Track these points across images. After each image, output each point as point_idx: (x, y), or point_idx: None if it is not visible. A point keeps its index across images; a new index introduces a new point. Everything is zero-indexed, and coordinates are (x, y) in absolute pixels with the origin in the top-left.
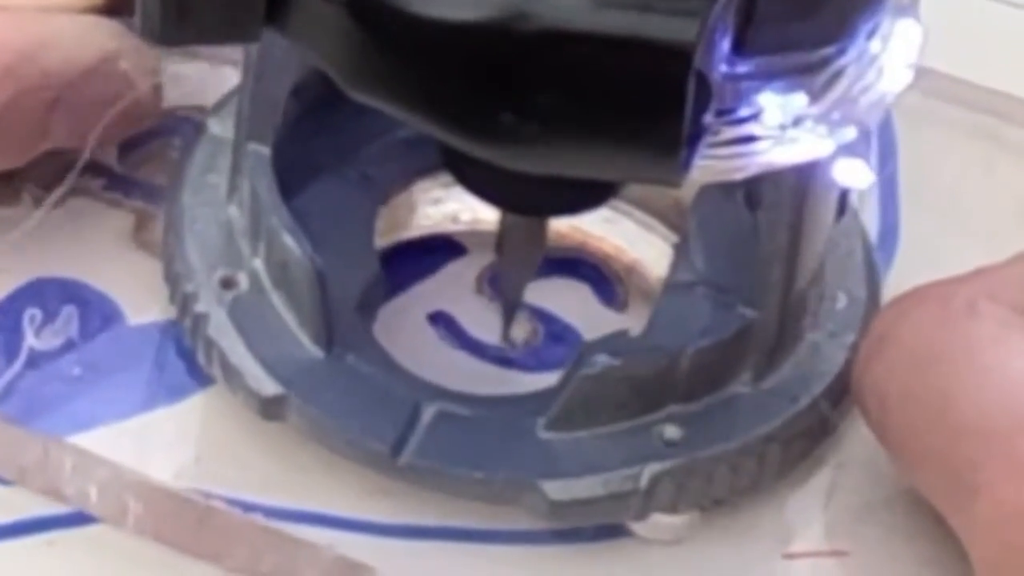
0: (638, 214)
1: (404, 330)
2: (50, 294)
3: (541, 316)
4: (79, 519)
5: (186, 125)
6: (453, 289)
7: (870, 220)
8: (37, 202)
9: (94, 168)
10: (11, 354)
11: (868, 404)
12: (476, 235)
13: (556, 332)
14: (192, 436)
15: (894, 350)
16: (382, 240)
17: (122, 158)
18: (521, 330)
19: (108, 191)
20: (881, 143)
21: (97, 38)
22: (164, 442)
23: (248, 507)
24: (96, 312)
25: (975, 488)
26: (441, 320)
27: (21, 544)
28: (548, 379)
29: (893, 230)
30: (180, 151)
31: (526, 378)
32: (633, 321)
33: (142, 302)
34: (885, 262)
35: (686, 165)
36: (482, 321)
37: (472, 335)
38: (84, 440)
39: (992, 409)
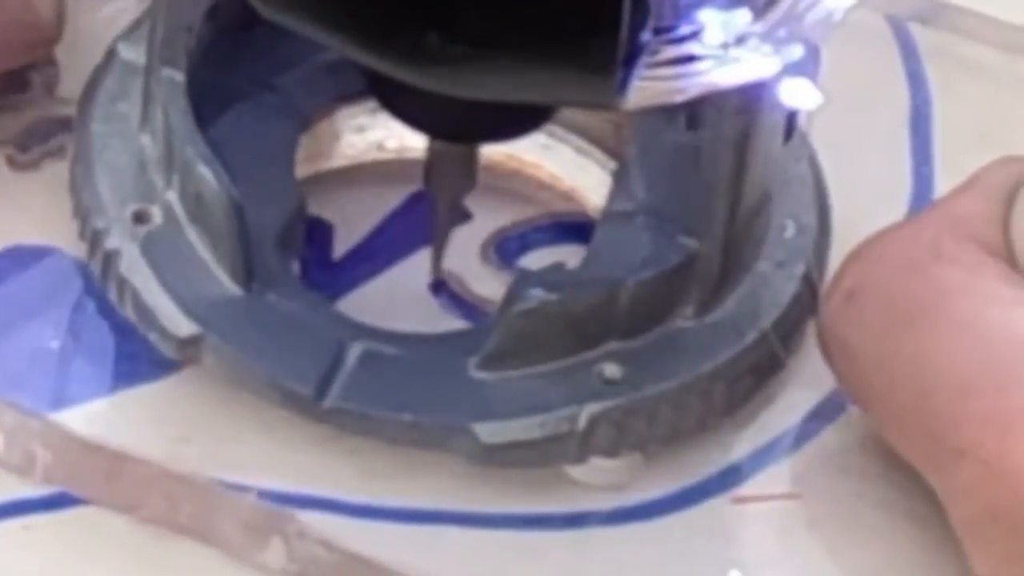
0: (575, 140)
1: (404, 298)
2: (25, 263)
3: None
4: (55, 502)
5: None
6: (457, 256)
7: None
8: (11, 163)
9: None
10: None
11: (838, 364)
12: (412, 165)
13: None
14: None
15: (863, 307)
16: (303, 170)
17: None
18: None
19: None
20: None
21: None
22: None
23: None
24: (74, 282)
25: (958, 449)
26: (444, 288)
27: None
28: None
29: (927, 196)
30: (88, 77)
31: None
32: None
33: None
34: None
35: (622, 87)
36: (488, 290)
37: (477, 305)
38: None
39: (970, 364)
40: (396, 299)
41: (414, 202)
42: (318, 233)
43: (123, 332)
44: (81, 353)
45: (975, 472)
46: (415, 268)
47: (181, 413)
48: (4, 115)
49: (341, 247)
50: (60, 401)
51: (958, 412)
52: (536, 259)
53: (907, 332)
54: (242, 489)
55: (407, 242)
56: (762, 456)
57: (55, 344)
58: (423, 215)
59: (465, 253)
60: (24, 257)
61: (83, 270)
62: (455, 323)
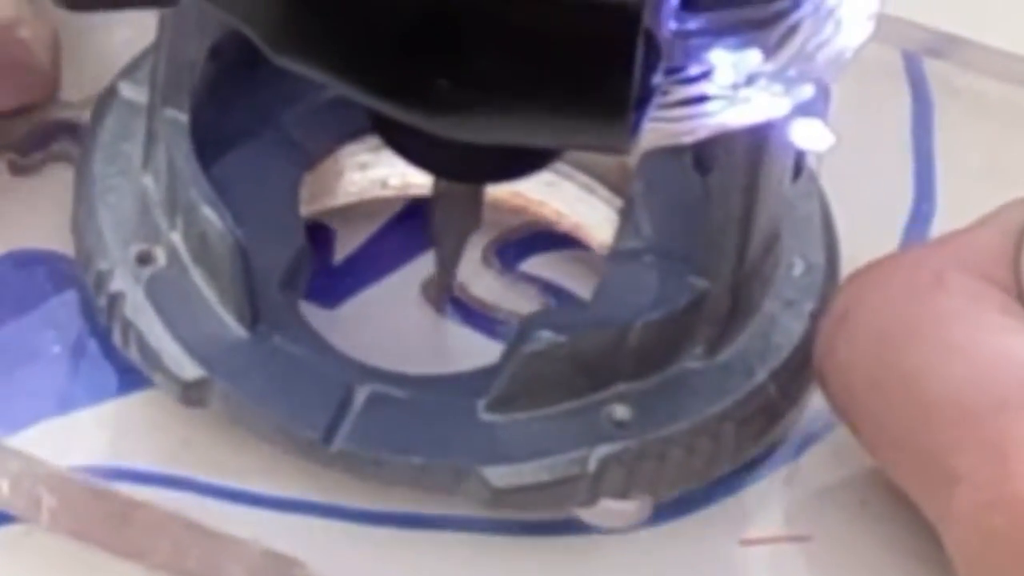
0: (580, 177)
1: (404, 304)
2: (26, 267)
3: (552, 290)
4: None
5: None
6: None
7: (905, 199)
8: (13, 168)
9: (74, 132)
10: None
11: (832, 386)
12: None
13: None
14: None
15: (858, 328)
16: (306, 208)
17: None
18: (530, 305)
19: None
20: (916, 121)
21: None
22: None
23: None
24: (74, 285)
25: (951, 474)
26: (446, 296)
27: None
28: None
29: (928, 208)
30: (90, 116)
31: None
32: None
33: None
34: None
35: (635, 130)
36: (489, 294)
37: (479, 310)
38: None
39: (965, 389)
40: (396, 305)
41: (414, 208)
42: (319, 238)
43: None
44: (82, 357)
45: (971, 498)
46: (415, 274)
47: (180, 418)
48: (5, 120)
49: (342, 252)
50: (64, 404)
51: (953, 437)
52: (537, 263)
53: (901, 354)
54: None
55: (407, 248)
56: (772, 498)
57: (56, 349)
58: (423, 220)
59: (466, 257)
60: (25, 261)
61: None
62: (456, 326)
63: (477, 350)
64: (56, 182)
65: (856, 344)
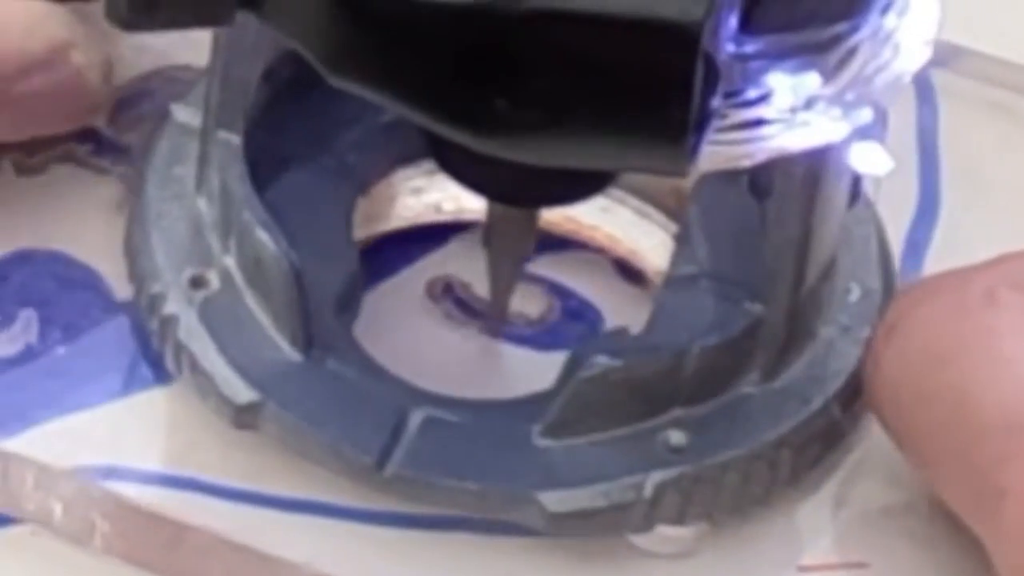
0: (634, 202)
1: (409, 304)
2: (32, 267)
3: (557, 291)
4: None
5: (174, 86)
6: (463, 260)
7: (908, 202)
8: (18, 169)
9: (80, 132)
10: None
11: (880, 401)
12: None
13: (574, 308)
14: (182, 417)
15: (907, 343)
16: (359, 232)
17: (110, 122)
18: (536, 306)
19: (94, 157)
20: (921, 124)
21: (48, 27)
22: (152, 424)
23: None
24: (80, 286)
25: (1000, 490)
26: (449, 295)
27: None
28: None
29: (932, 211)
30: (143, 140)
31: (541, 357)
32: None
33: (126, 276)
34: (923, 244)
35: (693, 153)
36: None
37: (483, 311)
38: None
39: (1014, 404)
40: (400, 305)
41: None
42: None
43: (127, 335)
44: (88, 356)
45: (1019, 512)
46: (419, 275)
47: (186, 418)
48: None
49: None
50: (68, 406)
51: (1001, 451)
52: (542, 264)
53: (950, 368)
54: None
55: (412, 249)
56: (828, 524)
57: (61, 351)
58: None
59: (472, 257)
60: (31, 260)
61: (88, 272)
62: (458, 327)
63: (481, 354)
64: (61, 182)
65: (905, 358)
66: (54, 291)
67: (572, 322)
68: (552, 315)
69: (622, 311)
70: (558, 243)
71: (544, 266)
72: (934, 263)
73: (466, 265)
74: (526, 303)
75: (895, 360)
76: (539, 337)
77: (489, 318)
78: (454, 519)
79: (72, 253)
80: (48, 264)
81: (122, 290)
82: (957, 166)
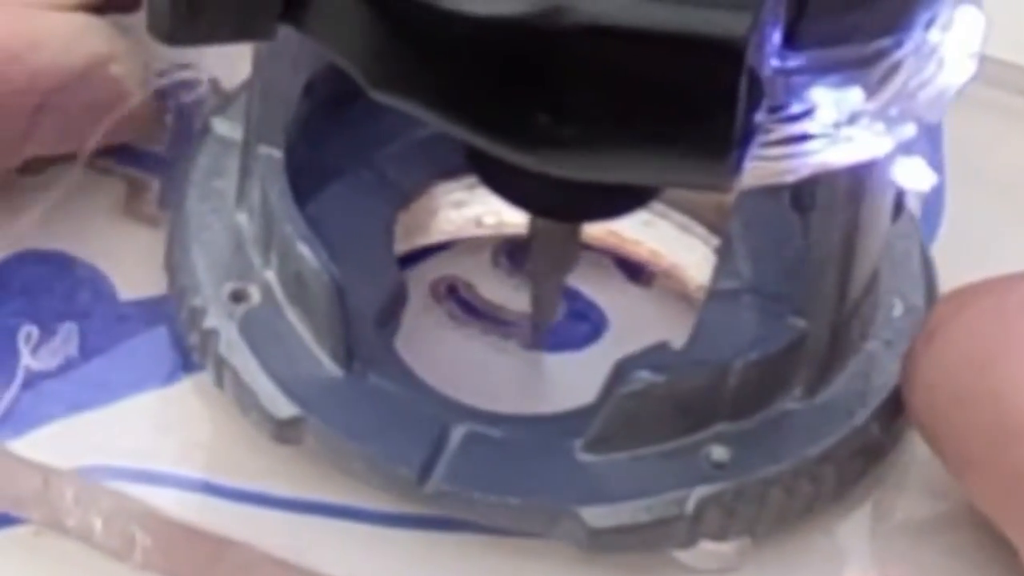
0: (676, 216)
1: (409, 308)
2: (37, 270)
3: (563, 292)
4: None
5: (179, 88)
6: (467, 261)
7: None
8: (20, 168)
9: None
10: None
11: (917, 406)
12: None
13: (579, 310)
14: (191, 418)
15: (947, 348)
16: (400, 246)
17: None
18: None
19: (98, 157)
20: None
21: (89, 40)
22: (160, 425)
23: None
24: (86, 287)
25: None
26: (453, 296)
27: None
28: (568, 360)
29: (936, 217)
30: (185, 154)
31: (543, 358)
32: (659, 298)
33: (134, 276)
34: (927, 243)
35: (737, 168)
36: (498, 295)
37: (489, 313)
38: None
39: None
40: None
41: None
42: None
43: (129, 334)
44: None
45: None
46: (423, 275)
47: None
48: None
49: None
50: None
51: None
52: None
53: (988, 373)
54: None
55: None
56: (870, 539)
57: (73, 350)
58: None
59: (475, 258)
60: (32, 261)
61: (92, 272)
62: (461, 327)
63: (483, 355)
64: (60, 182)
65: (944, 363)
66: (56, 290)
67: (577, 323)
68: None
69: (627, 312)
70: None
71: None
72: (939, 262)
73: (470, 266)
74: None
75: (934, 365)
76: (544, 339)
77: (533, 329)
78: (497, 529)
79: (76, 254)
80: (49, 264)
81: (127, 291)
82: (962, 166)
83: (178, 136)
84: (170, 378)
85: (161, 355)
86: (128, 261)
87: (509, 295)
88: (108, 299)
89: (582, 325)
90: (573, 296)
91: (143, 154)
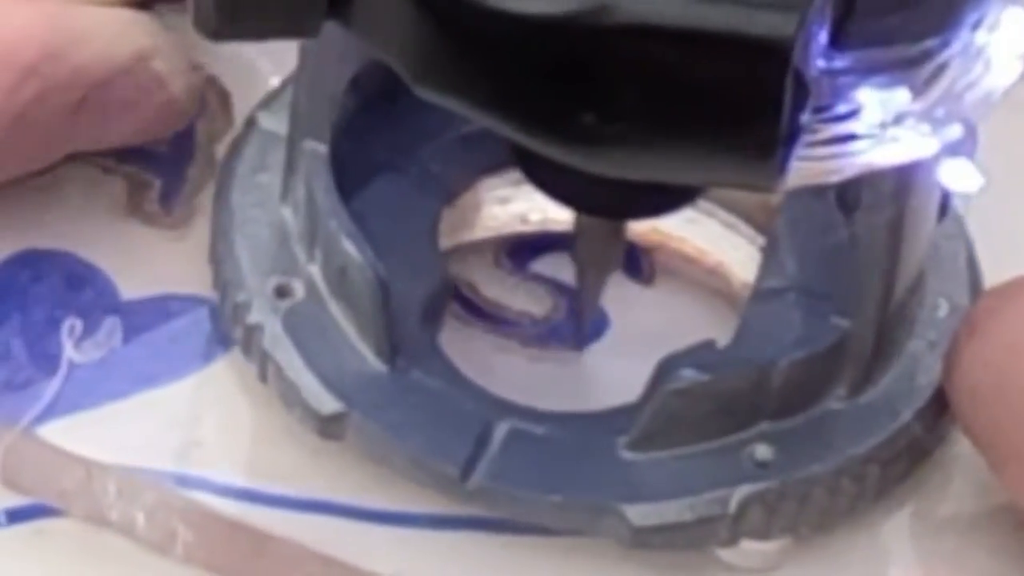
0: (722, 214)
1: None
2: (38, 268)
3: (563, 291)
4: (36, 512)
5: None
6: (469, 261)
7: None
8: None
9: None
10: None
11: (959, 400)
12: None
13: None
14: (233, 413)
15: (990, 340)
16: (444, 241)
17: None
18: (541, 305)
19: (100, 155)
20: None
21: (131, 35)
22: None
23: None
24: (87, 286)
25: None
26: (456, 297)
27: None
28: (570, 358)
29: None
30: (228, 147)
31: (546, 356)
32: (660, 296)
33: (135, 275)
34: None
35: (782, 168)
36: (500, 295)
37: (491, 313)
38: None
39: None
40: None
41: None
42: None
43: (133, 333)
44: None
45: None
46: None
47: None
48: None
49: None
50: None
51: None
52: (548, 264)
53: None
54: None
55: None
56: (913, 539)
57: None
58: None
59: (477, 258)
60: (35, 261)
61: (96, 273)
62: (464, 326)
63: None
64: (66, 181)
65: (986, 356)
66: (59, 289)
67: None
68: (557, 314)
69: (628, 310)
70: (562, 244)
71: (549, 266)
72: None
73: (472, 266)
74: (531, 303)
75: (976, 359)
76: (544, 336)
77: (577, 326)
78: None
79: (77, 252)
80: (52, 263)
81: (128, 290)
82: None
83: (180, 137)
84: (213, 371)
85: (204, 348)
86: (129, 260)
87: (511, 295)
88: (110, 299)
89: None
90: (567, 292)
91: (145, 153)
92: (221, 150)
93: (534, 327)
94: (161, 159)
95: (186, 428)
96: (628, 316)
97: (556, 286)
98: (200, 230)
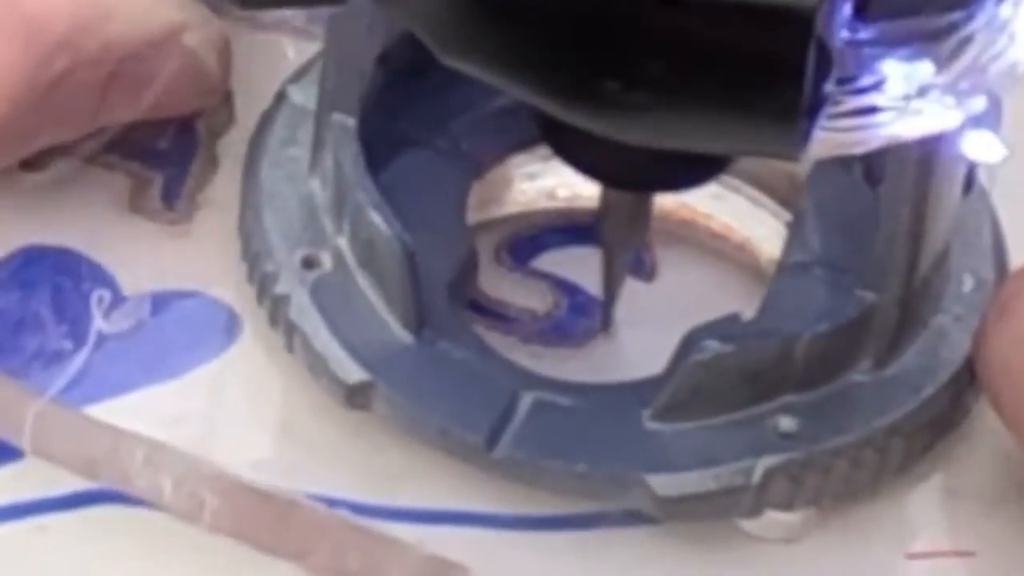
0: (749, 190)
1: None
2: (40, 265)
3: (564, 287)
4: (74, 501)
5: None
6: None
7: None
8: (24, 163)
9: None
10: None
11: (989, 378)
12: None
13: (580, 304)
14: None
15: (1017, 318)
16: (473, 216)
17: None
18: (542, 302)
19: (103, 153)
20: None
21: (162, 9)
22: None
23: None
24: (89, 283)
25: None
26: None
27: (12, 529)
28: (571, 356)
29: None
30: (258, 121)
31: (548, 353)
32: (662, 292)
33: (137, 273)
34: None
35: (805, 137)
36: (501, 292)
37: (491, 308)
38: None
39: None
40: None
41: None
42: None
43: (136, 332)
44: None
45: None
46: None
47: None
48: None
49: None
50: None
51: None
52: (549, 260)
53: None
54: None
55: None
56: (937, 511)
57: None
58: None
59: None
60: (37, 257)
61: (97, 269)
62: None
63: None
64: (66, 178)
65: (1015, 335)
66: (61, 287)
67: (578, 318)
68: (559, 311)
69: (628, 306)
70: (563, 240)
71: (550, 263)
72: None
73: None
74: (532, 299)
75: (1006, 337)
76: (546, 333)
77: (604, 303)
78: (563, 516)
79: (80, 250)
80: (53, 260)
81: (130, 287)
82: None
83: (182, 133)
84: (241, 343)
85: (229, 322)
86: (131, 258)
87: (510, 291)
88: (112, 295)
89: (584, 320)
90: (574, 291)
91: (147, 149)
92: (223, 146)
93: (535, 323)
94: (163, 155)
95: (214, 398)
96: (629, 313)
97: (557, 282)
98: (202, 226)
